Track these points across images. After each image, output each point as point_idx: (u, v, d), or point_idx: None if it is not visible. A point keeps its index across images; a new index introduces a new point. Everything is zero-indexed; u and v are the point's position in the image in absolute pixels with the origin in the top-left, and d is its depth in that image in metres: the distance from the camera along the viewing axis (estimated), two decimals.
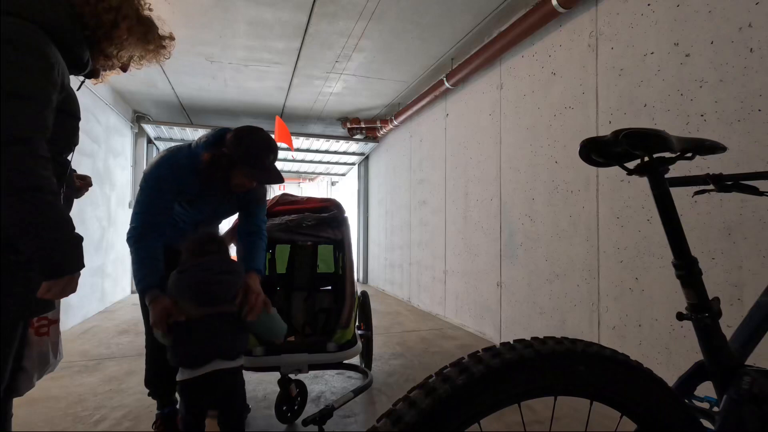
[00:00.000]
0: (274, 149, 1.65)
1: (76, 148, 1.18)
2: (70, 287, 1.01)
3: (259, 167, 1.60)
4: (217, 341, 1.42)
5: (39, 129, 0.94)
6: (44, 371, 1.20)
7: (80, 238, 1.02)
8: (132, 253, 1.57)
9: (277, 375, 1.94)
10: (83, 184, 1.50)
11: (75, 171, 1.39)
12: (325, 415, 1.63)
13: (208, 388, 1.39)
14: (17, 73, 0.91)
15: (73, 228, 1.01)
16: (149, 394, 1.85)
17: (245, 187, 1.69)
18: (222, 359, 1.41)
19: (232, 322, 1.48)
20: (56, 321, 1.24)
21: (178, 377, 1.42)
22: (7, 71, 0.90)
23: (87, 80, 1.22)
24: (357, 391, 1.91)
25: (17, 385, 1.12)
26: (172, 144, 6.30)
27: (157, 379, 1.82)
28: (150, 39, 1.25)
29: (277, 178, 1.65)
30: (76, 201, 1.42)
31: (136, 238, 1.56)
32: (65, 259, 0.98)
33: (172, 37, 1.34)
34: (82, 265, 1.03)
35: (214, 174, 1.59)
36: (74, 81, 1.14)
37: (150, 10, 1.26)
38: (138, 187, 1.68)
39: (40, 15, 0.98)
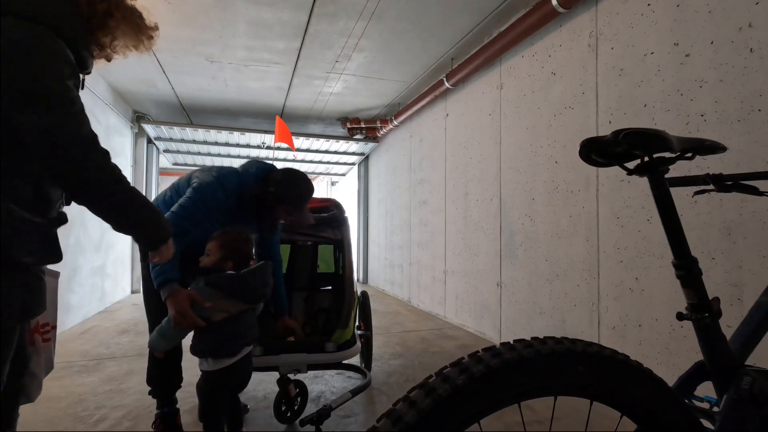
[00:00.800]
0: (312, 194, 1.94)
1: None
2: (169, 252, 1.22)
3: (299, 208, 1.88)
4: (251, 330, 1.65)
5: (90, 126, 1.00)
6: (47, 374, 1.23)
7: (160, 210, 1.18)
8: None
9: (277, 375, 1.94)
10: None
11: None
12: (322, 415, 1.64)
13: (241, 370, 1.60)
14: (56, 77, 0.94)
15: (151, 203, 1.16)
16: (150, 393, 1.85)
17: (278, 221, 1.96)
18: (248, 345, 1.64)
19: (253, 314, 1.71)
20: (54, 327, 1.27)
21: (215, 366, 1.52)
22: (46, 76, 0.92)
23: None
24: (355, 392, 1.90)
25: (29, 392, 1.15)
26: (173, 144, 6.33)
27: (159, 379, 1.83)
28: (141, 28, 1.27)
29: (309, 219, 1.95)
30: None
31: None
32: (160, 229, 1.16)
33: (157, 27, 1.36)
34: (172, 230, 1.21)
35: (261, 208, 1.86)
36: None
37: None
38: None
39: (54, 19, 0.98)
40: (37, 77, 0.91)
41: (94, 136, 1.00)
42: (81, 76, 1.15)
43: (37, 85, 0.91)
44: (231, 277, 1.57)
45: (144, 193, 6.04)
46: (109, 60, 1.27)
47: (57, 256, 1.05)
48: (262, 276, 1.63)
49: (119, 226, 1.10)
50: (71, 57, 1.01)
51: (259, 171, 1.88)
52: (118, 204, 1.06)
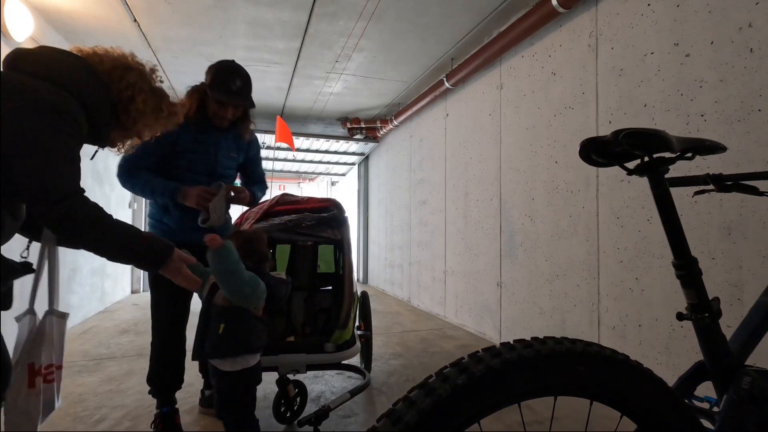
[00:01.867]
0: (240, 73, 1.79)
1: None
2: (179, 269, 1.20)
3: (225, 90, 1.74)
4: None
5: (79, 181, 1.13)
6: (47, 415, 1.25)
7: (149, 235, 1.22)
8: (134, 182, 1.75)
9: (276, 375, 1.94)
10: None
11: None
12: (320, 416, 1.64)
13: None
14: (68, 140, 1.07)
15: (140, 231, 1.19)
16: (150, 392, 1.84)
17: (222, 117, 1.82)
18: None
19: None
20: (61, 366, 1.29)
21: (256, 361, 1.54)
22: (61, 138, 1.05)
23: (107, 147, 1.34)
24: (354, 392, 1.90)
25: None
26: None
27: (161, 378, 1.82)
28: (162, 108, 1.34)
29: (243, 101, 1.81)
30: None
31: (127, 167, 1.74)
32: (154, 252, 1.17)
33: (183, 104, 1.46)
34: (172, 246, 1.22)
35: (193, 104, 1.76)
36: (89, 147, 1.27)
37: (161, 82, 1.38)
38: None
39: (86, 95, 1.11)
40: (44, 134, 1.01)
41: (81, 189, 1.11)
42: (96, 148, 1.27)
43: (40, 140, 1.01)
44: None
45: None
46: (141, 138, 1.38)
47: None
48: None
49: (113, 260, 1.18)
50: (84, 120, 1.11)
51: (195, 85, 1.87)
52: (100, 244, 1.13)
